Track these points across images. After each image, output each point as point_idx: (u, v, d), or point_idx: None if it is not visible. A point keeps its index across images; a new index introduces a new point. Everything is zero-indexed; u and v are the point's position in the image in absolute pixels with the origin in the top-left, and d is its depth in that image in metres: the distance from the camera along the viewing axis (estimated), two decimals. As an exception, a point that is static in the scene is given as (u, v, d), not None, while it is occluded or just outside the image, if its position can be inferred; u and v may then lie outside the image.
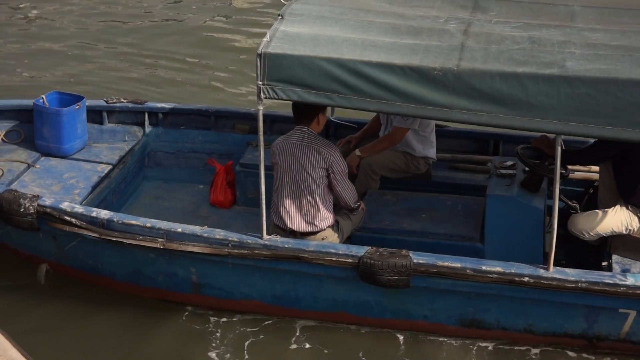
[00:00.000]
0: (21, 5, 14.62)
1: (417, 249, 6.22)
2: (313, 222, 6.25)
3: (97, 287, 6.83)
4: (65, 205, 6.43)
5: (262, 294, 6.45)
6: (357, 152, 7.09)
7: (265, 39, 5.76)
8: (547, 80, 5.39)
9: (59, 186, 7.23)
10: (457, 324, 6.28)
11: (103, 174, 7.43)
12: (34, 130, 7.75)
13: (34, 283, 6.85)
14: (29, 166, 7.51)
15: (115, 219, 6.32)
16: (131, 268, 6.60)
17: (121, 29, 13.67)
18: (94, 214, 6.36)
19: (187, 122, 8.12)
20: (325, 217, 6.27)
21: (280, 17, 6.05)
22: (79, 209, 6.41)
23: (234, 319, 6.56)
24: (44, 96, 7.79)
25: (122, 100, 8.07)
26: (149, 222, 6.29)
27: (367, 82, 5.59)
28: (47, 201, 6.48)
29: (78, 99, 7.85)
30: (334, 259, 6.03)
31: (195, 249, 6.21)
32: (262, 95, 5.73)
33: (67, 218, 6.37)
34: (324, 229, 6.29)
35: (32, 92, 10.19)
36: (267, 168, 7.30)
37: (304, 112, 6.22)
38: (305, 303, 6.40)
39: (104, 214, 6.36)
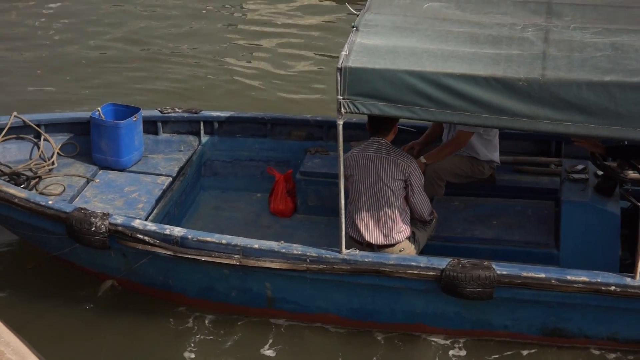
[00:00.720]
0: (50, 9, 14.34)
1: (492, 257, 6.17)
2: (391, 235, 6.19)
3: (167, 302, 6.74)
4: (137, 223, 6.37)
5: (339, 307, 6.39)
6: (423, 159, 7.01)
7: (343, 53, 5.68)
8: (636, 88, 5.31)
9: (122, 201, 7.16)
10: (538, 333, 6.24)
11: (164, 187, 7.36)
12: (90, 143, 7.67)
13: (101, 298, 6.84)
14: (88, 180, 7.42)
15: (189, 236, 6.25)
16: (204, 284, 6.53)
17: (159, 33, 13.44)
18: (167, 232, 6.29)
19: (242, 131, 8.04)
20: (402, 229, 6.21)
21: (355, 28, 5.97)
22: (152, 226, 6.34)
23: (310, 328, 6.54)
24: (99, 108, 7.72)
25: (177, 109, 7.98)
26: (224, 239, 6.22)
27: (450, 94, 5.51)
28: (119, 219, 6.41)
29: (134, 110, 7.77)
30: (415, 272, 5.97)
31: (272, 265, 6.15)
32: (343, 110, 5.66)
33: (140, 236, 6.31)
34: (402, 241, 6.23)
35: (79, 105, 10.17)
36: (328, 176, 7.32)
37: (382, 124, 6.15)
38: (383, 315, 6.36)
39: (178, 231, 6.29)
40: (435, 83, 5.51)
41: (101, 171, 7.61)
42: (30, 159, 7.65)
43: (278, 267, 6.14)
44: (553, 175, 7.33)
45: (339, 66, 5.58)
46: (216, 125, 8.00)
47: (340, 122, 5.72)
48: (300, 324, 6.53)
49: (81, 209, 6.45)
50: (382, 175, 6.11)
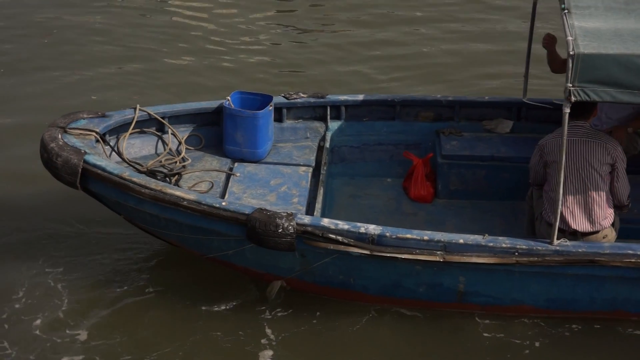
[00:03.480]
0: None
1: None
2: (597, 221, 6.02)
3: (341, 301, 6.46)
4: (327, 223, 6.04)
5: (536, 298, 6.22)
6: (630, 128, 6.83)
7: (569, 38, 5.44)
8: None
9: (273, 195, 6.80)
10: None
11: (309, 178, 7.01)
12: (214, 134, 7.26)
13: (274, 300, 6.54)
14: (227, 175, 7.02)
15: (387, 234, 5.96)
16: (389, 281, 6.27)
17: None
18: (362, 230, 5.99)
19: (369, 114, 7.72)
20: (608, 215, 6.05)
21: (565, 10, 5.71)
22: (344, 225, 6.02)
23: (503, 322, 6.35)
24: (229, 97, 7.29)
25: (302, 94, 7.59)
26: (426, 235, 5.96)
27: None
28: (305, 219, 6.06)
29: (263, 97, 7.38)
30: (632, 260, 5.82)
31: (479, 260, 5.91)
32: (572, 98, 5.43)
33: (332, 236, 5.98)
34: (606, 228, 6.07)
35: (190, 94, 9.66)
36: (470, 158, 7.12)
37: (586, 108, 5.95)
38: (582, 304, 6.21)
39: (373, 229, 5.99)
40: None
41: (236, 164, 7.20)
42: (156, 153, 7.18)
43: (485, 261, 5.90)
44: None
45: (571, 52, 5.33)
46: (343, 109, 7.64)
47: (567, 111, 5.48)
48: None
49: (262, 209, 6.07)
50: (591, 160, 5.93)
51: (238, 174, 7.05)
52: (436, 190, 7.51)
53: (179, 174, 6.97)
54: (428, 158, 7.49)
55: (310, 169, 7.15)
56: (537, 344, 6.20)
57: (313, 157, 7.31)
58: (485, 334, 6.29)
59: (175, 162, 7.08)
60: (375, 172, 7.73)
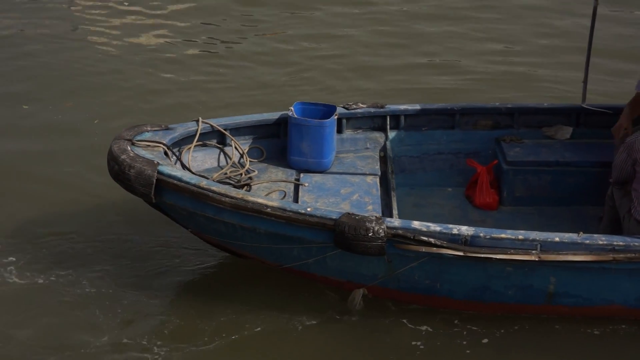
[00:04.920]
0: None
1: None
2: None
3: (427, 307, 6.33)
4: (417, 225, 5.92)
5: (626, 297, 6.15)
6: None
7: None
8: None
9: (347, 204, 6.68)
10: None
11: (378, 186, 6.91)
12: (288, 144, 7.16)
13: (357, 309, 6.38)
14: (295, 185, 6.90)
15: (481, 234, 5.87)
16: (478, 284, 6.16)
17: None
18: (455, 231, 5.89)
19: (427, 123, 7.65)
20: None
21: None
22: (435, 227, 5.92)
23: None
24: (292, 107, 7.19)
25: (361, 105, 7.51)
26: (520, 234, 5.88)
27: None
28: (395, 222, 5.94)
29: (326, 108, 7.32)
30: None
31: (575, 258, 5.82)
32: None
33: (425, 238, 5.86)
34: (698, 224, 6.02)
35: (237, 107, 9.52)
36: (536, 164, 7.06)
37: None
38: None
39: (466, 229, 5.90)
40: None
41: (302, 174, 7.08)
42: (219, 166, 7.05)
43: (582, 259, 5.82)
44: None
45: None
46: (402, 119, 7.57)
47: None
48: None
49: (350, 214, 5.95)
50: None
51: (306, 184, 6.93)
52: (500, 197, 7.42)
53: (249, 185, 6.82)
54: (492, 165, 7.41)
55: (378, 178, 7.06)
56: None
57: (378, 166, 7.22)
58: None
59: (241, 174, 6.94)
60: (436, 181, 7.65)
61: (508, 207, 7.42)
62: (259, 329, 6.31)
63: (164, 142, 6.66)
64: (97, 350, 6.08)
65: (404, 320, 6.38)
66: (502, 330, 6.28)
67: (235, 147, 7.11)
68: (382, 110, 7.54)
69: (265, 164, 7.21)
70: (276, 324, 6.37)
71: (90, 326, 6.30)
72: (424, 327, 6.33)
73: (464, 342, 6.21)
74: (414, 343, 6.22)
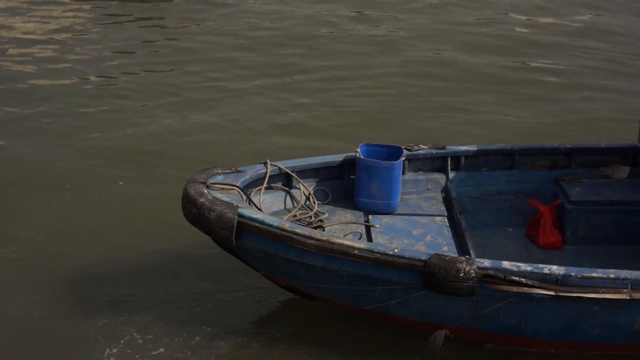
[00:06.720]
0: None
1: None
2: None
3: (509, 348, 6.31)
4: (508, 265, 5.93)
5: None
6: None
7: None
8: None
9: (422, 245, 6.69)
10: None
11: (448, 226, 6.92)
12: (356, 186, 7.16)
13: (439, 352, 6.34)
14: (366, 227, 6.89)
15: (572, 274, 5.89)
16: (563, 324, 6.16)
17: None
18: (546, 271, 5.90)
19: (486, 164, 7.69)
20: None
21: None
22: (526, 266, 5.93)
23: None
24: (358, 149, 7.20)
25: (422, 146, 7.54)
26: (612, 273, 5.91)
27: None
28: (485, 262, 5.94)
29: (390, 150, 7.34)
30: None
31: None
32: None
33: (516, 278, 5.86)
34: None
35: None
36: (598, 203, 7.11)
37: None
38: None
39: (556, 269, 5.91)
40: None
41: (370, 216, 7.07)
42: (285, 208, 7.02)
43: None
44: None
45: None
46: (463, 159, 7.60)
47: None
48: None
49: (439, 255, 5.94)
50: None
51: (377, 225, 6.91)
52: (564, 237, 7.45)
53: (321, 227, 6.79)
54: (554, 205, 7.44)
55: (446, 218, 7.06)
56: None
57: (443, 207, 7.22)
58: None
59: (310, 216, 6.90)
60: (496, 222, 7.67)
61: (571, 247, 7.44)
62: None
63: (237, 184, 6.62)
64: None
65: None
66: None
67: (302, 190, 7.07)
68: (443, 151, 7.56)
69: (332, 206, 7.19)
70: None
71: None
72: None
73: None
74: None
